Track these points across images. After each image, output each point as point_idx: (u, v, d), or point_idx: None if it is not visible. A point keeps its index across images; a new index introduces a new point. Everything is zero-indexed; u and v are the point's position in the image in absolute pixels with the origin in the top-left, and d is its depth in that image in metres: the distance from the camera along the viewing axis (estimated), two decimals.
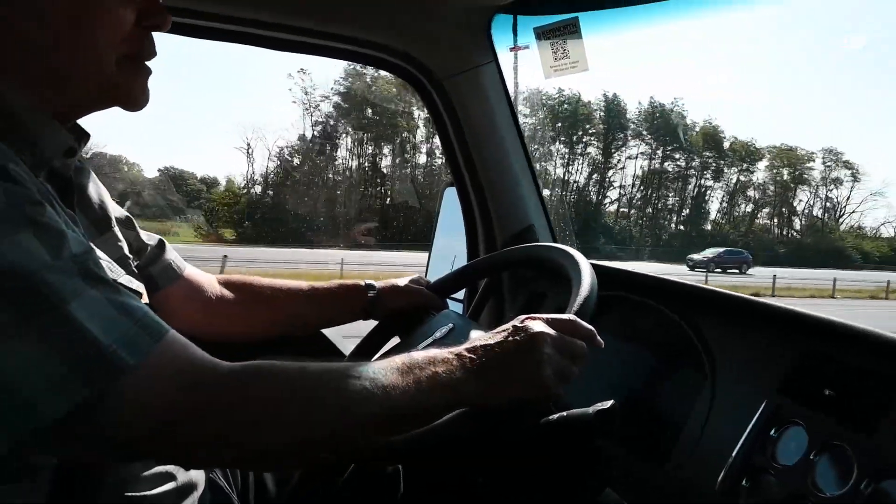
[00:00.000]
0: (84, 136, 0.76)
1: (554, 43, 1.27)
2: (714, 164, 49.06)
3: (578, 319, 0.76)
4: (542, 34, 1.27)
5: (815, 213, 50.90)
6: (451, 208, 1.68)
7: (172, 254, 1.01)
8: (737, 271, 28.75)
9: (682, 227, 47.74)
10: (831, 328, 0.79)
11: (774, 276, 20.57)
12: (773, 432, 0.78)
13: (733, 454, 0.80)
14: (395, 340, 1.18)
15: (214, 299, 1.04)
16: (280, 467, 0.90)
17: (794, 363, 0.80)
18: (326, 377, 0.62)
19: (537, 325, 0.72)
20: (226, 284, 1.08)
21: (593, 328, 0.76)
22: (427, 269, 1.99)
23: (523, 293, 1.41)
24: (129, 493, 0.71)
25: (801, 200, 50.99)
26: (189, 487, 0.80)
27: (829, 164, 50.42)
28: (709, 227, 48.75)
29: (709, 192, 49.26)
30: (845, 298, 19.50)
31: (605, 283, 0.93)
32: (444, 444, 0.74)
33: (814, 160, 50.33)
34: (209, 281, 1.06)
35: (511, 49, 1.38)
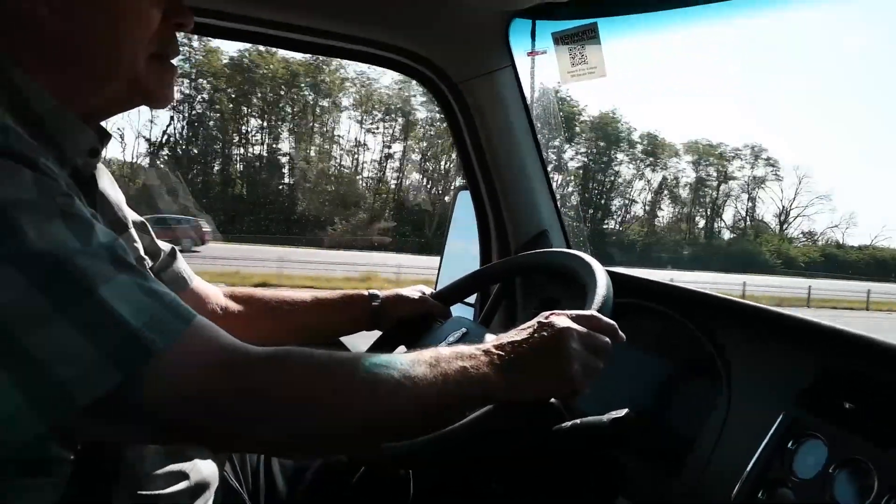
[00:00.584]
0: (106, 136, 0.77)
1: (572, 48, 1.27)
2: (612, 158, 47.00)
3: (600, 315, 0.76)
4: (559, 39, 1.27)
5: (737, 216, 49.37)
6: (464, 212, 1.68)
7: (182, 264, 1.01)
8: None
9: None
10: (851, 340, 0.78)
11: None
12: (790, 445, 0.77)
13: (749, 466, 0.79)
14: (401, 350, 1.18)
15: (220, 311, 1.05)
16: (310, 454, 0.90)
17: (812, 375, 0.79)
18: (356, 365, 0.62)
19: (562, 320, 0.72)
20: (231, 297, 1.08)
21: (615, 323, 0.76)
22: (438, 274, 1.99)
23: (535, 299, 1.40)
24: (143, 492, 0.71)
25: (718, 201, 49.29)
26: (202, 486, 0.80)
27: (749, 161, 48.93)
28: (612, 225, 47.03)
29: (610, 187, 47.20)
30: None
31: (620, 290, 0.92)
32: (471, 442, 0.73)
33: (735, 158, 48.53)
34: (215, 293, 1.07)
35: (528, 54, 1.37)
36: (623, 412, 0.78)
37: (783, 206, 49.45)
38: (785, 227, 49.86)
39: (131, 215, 0.89)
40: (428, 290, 1.22)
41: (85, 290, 0.52)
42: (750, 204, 50.20)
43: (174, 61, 0.76)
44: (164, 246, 0.98)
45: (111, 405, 0.52)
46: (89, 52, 0.66)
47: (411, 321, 1.16)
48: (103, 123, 0.76)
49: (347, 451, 0.82)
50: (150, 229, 0.95)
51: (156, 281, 0.59)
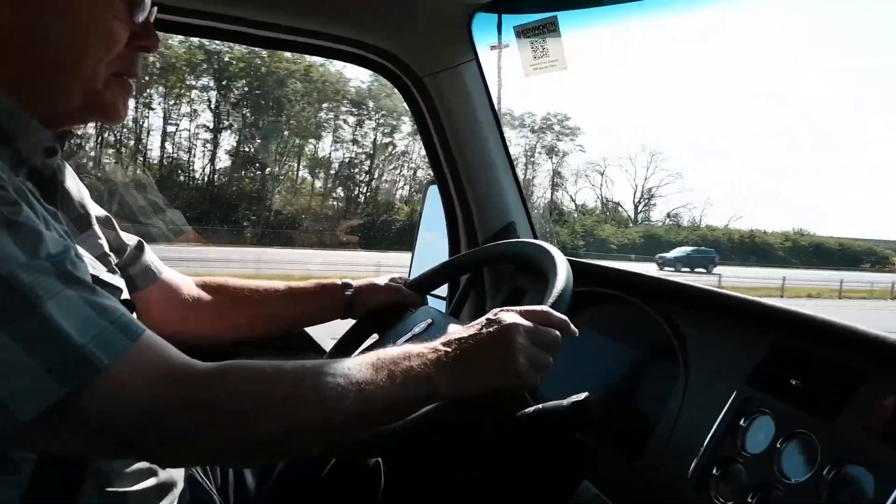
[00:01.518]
0: (67, 134, 0.77)
1: (534, 41, 1.29)
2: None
3: (551, 310, 0.78)
4: (521, 32, 1.29)
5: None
6: (433, 206, 1.69)
7: (151, 255, 1.01)
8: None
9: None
10: (797, 320, 0.81)
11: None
12: (742, 422, 0.80)
13: (704, 444, 0.82)
14: (374, 338, 1.19)
15: (192, 301, 1.05)
16: (258, 461, 0.91)
17: (763, 354, 0.82)
18: (302, 374, 0.63)
19: (510, 316, 0.73)
20: (203, 287, 1.08)
21: (567, 318, 0.78)
22: (410, 267, 2.00)
23: (504, 289, 1.42)
24: (110, 489, 0.71)
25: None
26: (169, 484, 0.80)
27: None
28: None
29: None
30: None
31: (581, 278, 0.94)
32: (421, 437, 0.75)
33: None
34: (187, 283, 1.06)
35: (492, 48, 1.39)
36: (583, 395, 0.80)
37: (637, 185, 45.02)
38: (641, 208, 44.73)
39: (95, 210, 0.88)
40: (401, 279, 1.23)
41: (29, 305, 0.52)
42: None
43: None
44: (131, 239, 0.98)
45: (53, 421, 0.52)
46: (51, 62, 0.67)
47: (384, 310, 1.17)
48: None
49: (296, 456, 0.84)
50: (115, 224, 0.94)
51: (105, 295, 0.59)
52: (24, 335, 0.51)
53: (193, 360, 0.60)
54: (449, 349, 0.70)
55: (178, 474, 0.83)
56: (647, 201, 44.94)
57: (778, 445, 0.74)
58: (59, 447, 0.59)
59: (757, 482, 0.74)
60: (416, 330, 1.05)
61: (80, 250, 0.67)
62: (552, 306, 0.80)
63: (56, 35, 0.66)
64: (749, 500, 0.74)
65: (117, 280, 0.78)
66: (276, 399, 0.61)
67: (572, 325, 0.78)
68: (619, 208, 44.76)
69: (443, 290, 1.57)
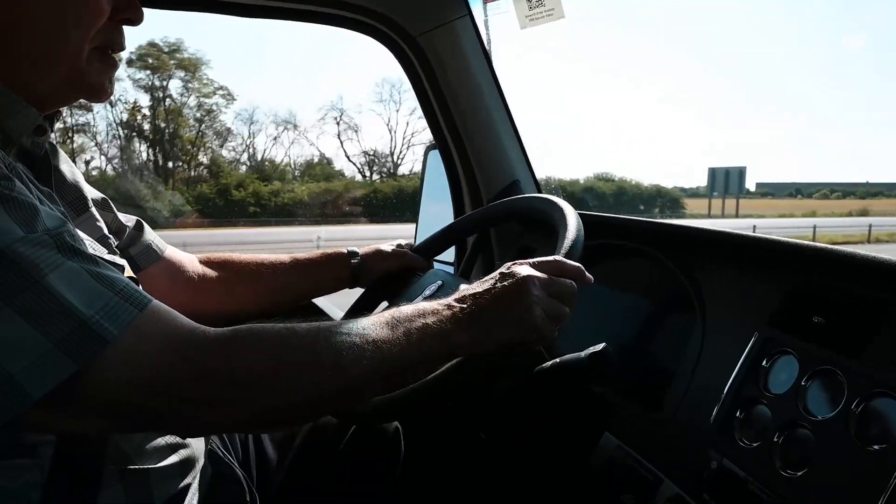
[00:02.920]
0: (56, 114, 0.75)
1: None
2: None
3: (565, 259, 0.76)
4: None
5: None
6: (435, 171, 1.66)
7: (152, 234, 0.99)
8: None
9: None
10: (816, 255, 0.79)
11: None
12: (764, 363, 0.78)
13: (726, 388, 0.81)
14: (384, 305, 1.18)
15: (197, 278, 1.04)
16: (277, 427, 0.90)
17: (782, 294, 0.80)
18: (316, 335, 0.61)
19: (524, 269, 0.71)
20: (207, 263, 1.07)
21: (581, 265, 0.76)
22: (416, 235, 1.98)
23: (512, 249, 1.41)
24: (133, 467, 0.71)
25: None
26: (191, 460, 0.80)
27: None
28: None
29: None
30: None
31: (592, 231, 0.92)
32: (442, 396, 0.74)
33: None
34: (190, 260, 1.05)
35: (484, 1, 1.34)
36: (600, 346, 0.79)
37: None
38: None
39: (91, 193, 0.87)
40: (407, 245, 1.21)
41: (31, 279, 0.51)
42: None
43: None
44: (129, 220, 0.96)
45: (66, 396, 0.51)
46: (33, 40, 0.65)
47: (391, 276, 1.16)
48: None
49: (317, 419, 0.83)
50: (112, 205, 0.93)
51: (108, 266, 0.57)
52: (28, 310, 0.50)
53: (204, 326, 0.59)
54: (464, 305, 0.68)
55: (199, 450, 0.83)
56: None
57: (802, 384, 0.73)
58: (74, 424, 0.58)
59: (782, 421, 0.73)
60: (427, 293, 1.04)
61: (80, 234, 0.65)
62: (565, 256, 0.78)
63: (36, 12, 0.64)
64: (775, 439, 0.73)
65: (119, 260, 0.77)
66: (291, 362, 0.59)
67: (587, 273, 0.76)
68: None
69: (449, 256, 1.55)
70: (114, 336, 0.52)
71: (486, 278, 0.72)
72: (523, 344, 0.70)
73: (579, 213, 0.94)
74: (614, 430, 0.97)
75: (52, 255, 0.53)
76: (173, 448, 0.77)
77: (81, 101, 0.74)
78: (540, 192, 1.46)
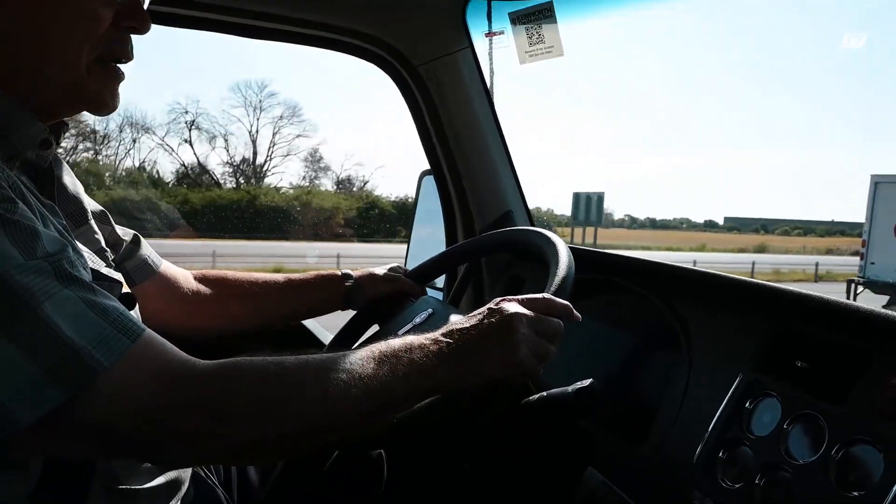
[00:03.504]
0: (62, 126, 0.74)
1: (529, 28, 1.28)
2: None
3: (553, 297, 0.77)
4: (516, 19, 1.28)
5: None
6: (429, 196, 1.68)
7: (148, 249, 0.99)
8: None
9: None
10: (801, 301, 0.81)
11: None
12: (748, 405, 0.80)
13: (710, 428, 0.82)
14: (375, 328, 1.19)
15: (191, 294, 1.03)
16: (262, 461, 0.90)
17: (767, 337, 0.82)
18: (304, 371, 0.62)
19: (512, 306, 0.72)
20: (201, 280, 1.07)
21: (569, 304, 0.77)
22: (406, 258, 1.99)
23: (503, 278, 1.42)
24: (121, 487, 0.70)
25: None
26: (177, 482, 0.79)
27: None
28: None
29: None
30: None
31: (582, 265, 0.94)
32: (425, 429, 0.74)
33: None
34: (185, 276, 1.05)
35: (486, 35, 1.37)
36: (587, 382, 0.80)
37: None
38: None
39: (91, 205, 0.87)
40: (400, 269, 1.22)
41: (26, 307, 0.51)
42: None
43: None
44: (126, 234, 0.96)
45: (55, 425, 0.51)
46: (31, 51, 0.63)
47: (384, 300, 1.16)
48: None
49: (302, 454, 0.83)
50: (110, 218, 0.93)
51: (104, 294, 0.58)
52: (21, 338, 0.50)
53: (194, 359, 0.59)
54: (451, 340, 0.69)
55: (184, 472, 0.82)
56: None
57: (785, 427, 0.74)
58: (60, 450, 0.58)
59: (764, 463, 0.74)
60: (418, 320, 1.04)
61: (79, 245, 0.65)
62: (554, 293, 0.80)
63: (29, 21, 0.62)
64: (757, 481, 0.74)
65: (116, 274, 0.77)
66: (278, 398, 0.60)
67: (575, 311, 0.77)
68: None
69: (440, 281, 1.56)
70: (104, 367, 0.53)
71: (474, 313, 0.73)
72: (507, 380, 0.71)
73: (570, 247, 0.96)
74: (598, 465, 0.97)
75: (49, 283, 0.53)
76: (161, 470, 0.76)
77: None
78: (532, 223, 1.48)
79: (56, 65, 0.65)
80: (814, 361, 0.76)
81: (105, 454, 0.63)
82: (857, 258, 12.43)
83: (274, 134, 34.34)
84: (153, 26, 0.72)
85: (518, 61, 1.33)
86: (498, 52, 1.36)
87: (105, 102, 0.70)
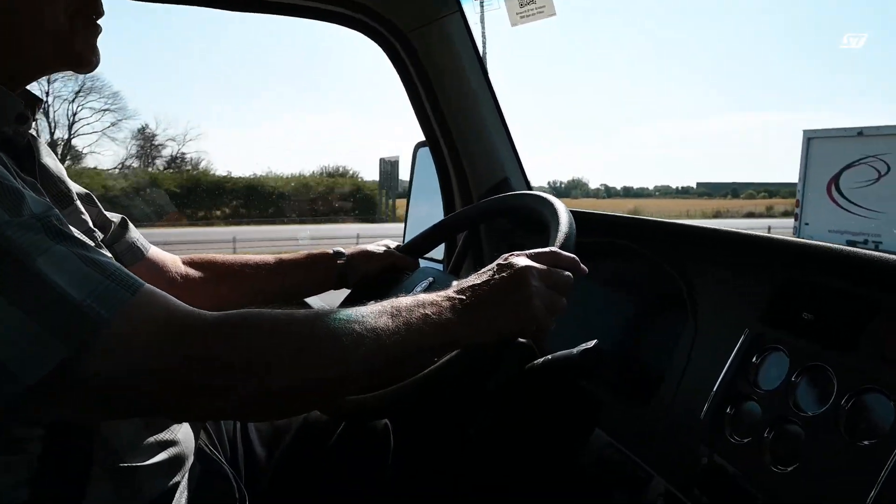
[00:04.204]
0: (37, 101, 0.73)
1: None
2: None
3: (560, 250, 0.76)
4: None
5: None
6: (424, 168, 1.66)
7: (135, 233, 0.98)
8: None
9: None
10: (805, 252, 0.80)
11: None
12: (755, 359, 0.79)
13: (716, 385, 0.81)
14: None
15: (180, 279, 1.02)
16: (274, 415, 0.89)
17: (773, 290, 0.81)
18: (315, 322, 0.60)
19: (521, 260, 0.71)
20: (190, 263, 1.05)
21: (576, 256, 0.76)
22: (405, 233, 1.97)
23: (503, 247, 1.40)
24: (122, 465, 0.70)
25: None
26: (180, 458, 0.79)
27: None
28: None
29: None
30: None
31: (583, 228, 0.92)
32: (439, 388, 0.73)
33: None
34: (173, 260, 1.04)
35: None
36: (592, 343, 0.79)
37: None
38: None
39: (75, 188, 0.86)
40: (393, 244, 1.21)
41: (20, 264, 0.49)
42: None
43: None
44: (114, 217, 0.95)
45: (59, 383, 0.50)
46: (8, 15, 0.62)
47: (379, 276, 1.15)
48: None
49: (315, 408, 0.81)
50: (97, 201, 0.91)
51: (97, 250, 0.56)
52: (18, 294, 0.49)
53: (199, 310, 0.57)
54: (463, 296, 0.68)
55: (188, 448, 0.81)
56: None
57: (793, 380, 0.73)
58: (68, 412, 0.56)
59: (772, 417, 0.73)
60: (418, 289, 1.03)
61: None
62: (560, 247, 0.79)
63: None
64: (765, 435, 0.73)
65: (105, 253, 0.75)
66: (289, 347, 0.57)
67: (581, 264, 0.76)
68: None
69: (438, 254, 1.55)
70: (106, 320, 0.51)
71: (484, 270, 0.72)
72: (522, 334, 0.70)
73: (571, 210, 0.94)
74: (605, 427, 0.97)
75: (41, 238, 0.51)
76: (163, 445, 0.76)
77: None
78: (530, 189, 1.46)
79: (39, 25, 0.64)
80: (820, 312, 0.74)
81: (111, 413, 0.60)
82: (793, 220, 11.56)
83: (74, 114, 26.81)
84: (131, 2, 0.71)
85: (509, 23, 1.30)
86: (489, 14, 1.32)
87: (89, 59, 0.70)
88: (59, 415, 0.57)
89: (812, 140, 11.08)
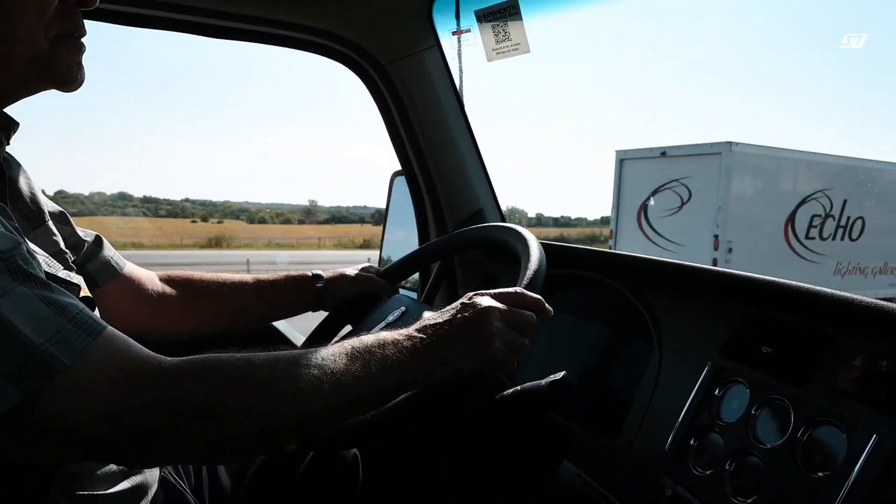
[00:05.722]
0: (12, 124, 0.72)
1: (495, 25, 1.28)
2: None
3: (526, 291, 0.77)
4: (482, 17, 1.28)
5: None
6: (400, 196, 1.67)
7: (111, 251, 0.97)
8: None
9: None
10: (767, 288, 0.83)
11: None
12: (717, 392, 0.81)
13: (680, 417, 0.83)
14: (348, 329, 1.18)
15: (156, 296, 1.01)
16: (233, 460, 0.88)
17: (734, 324, 0.83)
18: (274, 367, 0.61)
19: (485, 300, 0.72)
20: (167, 281, 1.04)
21: (541, 297, 0.77)
22: (380, 261, 1.98)
23: (476, 277, 1.42)
24: (82, 493, 0.68)
25: None
26: (143, 487, 0.77)
27: None
28: None
29: None
30: None
31: (554, 261, 0.94)
32: (399, 425, 0.74)
33: None
34: (150, 277, 1.03)
35: (454, 33, 1.38)
36: (561, 374, 0.80)
37: None
38: None
39: (48, 206, 0.85)
40: (372, 269, 1.21)
41: None
42: None
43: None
44: (88, 235, 0.94)
45: (13, 425, 0.49)
46: None
47: (356, 300, 1.15)
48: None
49: (272, 452, 0.81)
50: (70, 219, 0.90)
51: (62, 291, 0.56)
52: None
53: (159, 356, 0.57)
54: (424, 336, 0.68)
55: (151, 476, 0.80)
56: None
57: (753, 412, 0.75)
58: (21, 454, 0.56)
59: (733, 449, 0.75)
60: (390, 318, 1.04)
61: (34, 248, 0.63)
62: (526, 287, 0.80)
63: None
64: (727, 467, 0.75)
65: (75, 277, 0.75)
66: (248, 394, 0.58)
67: (547, 305, 0.77)
68: None
69: (414, 282, 1.56)
70: (64, 365, 0.51)
71: (447, 308, 0.73)
72: (482, 374, 0.71)
73: (542, 242, 0.96)
74: (573, 458, 0.98)
75: (3, 279, 0.51)
76: (125, 474, 0.74)
77: None
78: (504, 221, 1.48)
79: (15, 45, 0.64)
80: (778, 346, 0.77)
81: (67, 457, 0.60)
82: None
83: None
84: (114, 26, 0.71)
85: (486, 59, 1.33)
86: (465, 49, 1.36)
87: (72, 77, 0.69)
88: (12, 454, 0.56)
89: (624, 162, 9.55)
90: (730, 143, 8.52)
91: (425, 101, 1.37)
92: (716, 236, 8.44)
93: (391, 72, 1.35)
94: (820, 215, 9.20)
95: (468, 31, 1.33)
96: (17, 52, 0.64)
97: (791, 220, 9.03)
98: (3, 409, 0.48)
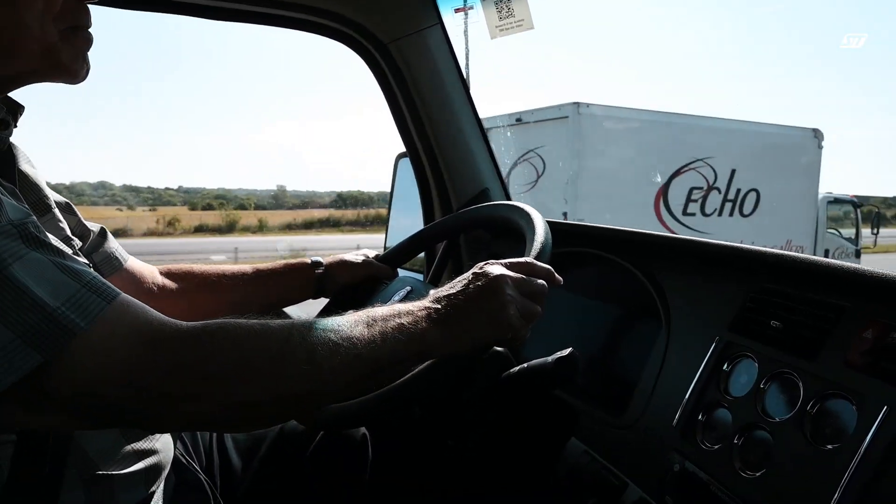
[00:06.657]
0: (18, 108, 0.72)
1: (498, 2, 1.26)
2: None
3: (535, 260, 0.77)
4: None
5: None
6: (405, 178, 1.67)
7: (114, 243, 0.97)
8: None
9: None
10: (776, 261, 0.82)
11: None
12: (725, 367, 0.81)
13: (689, 392, 0.83)
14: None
15: (157, 290, 1.02)
16: (249, 426, 0.88)
17: (742, 299, 0.83)
18: (290, 331, 0.60)
19: (496, 268, 0.72)
20: (167, 274, 1.05)
21: (550, 267, 0.77)
22: (386, 242, 1.98)
23: (482, 256, 1.41)
24: (98, 472, 0.69)
25: None
26: (157, 467, 0.78)
27: None
28: None
29: None
30: None
31: (559, 238, 0.93)
32: (412, 401, 0.73)
33: None
34: (151, 271, 1.03)
35: (456, 10, 1.36)
36: (567, 351, 0.80)
37: None
38: None
39: (54, 196, 0.85)
40: (372, 254, 1.21)
41: None
42: None
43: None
44: (93, 226, 0.94)
45: (31, 390, 0.50)
46: None
47: (357, 286, 1.15)
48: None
49: (291, 419, 0.81)
50: (76, 210, 0.91)
51: (74, 259, 0.56)
52: None
53: (175, 320, 0.57)
54: (439, 306, 0.68)
55: (166, 457, 0.81)
56: None
57: (761, 386, 0.75)
58: (39, 420, 0.55)
59: (742, 423, 0.75)
60: (396, 298, 1.04)
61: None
62: (535, 258, 0.80)
63: None
64: (735, 441, 0.74)
65: (82, 261, 0.75)
66: (264, 357, 0.57)
67: (556, 274, 0.77)
68: None
69: (419, 264, 1.56)
70: (81, 328, 0.51)
71: (459, 279, 0.72)
72: (498, 343, 0.70)
73: (547, 221, 0.96)
74: (580, 436, 0.98)
75: (16, 245, 0.51)
76: (140, 455, 0.75)
77: None
78: (509, 199, 1.47)
79: (20, 38, 0.64)
80: (787, 320, 0.76)
81: (84, 422, 0.59)
82: None
83: None
84: (117, 10, 0.71)
85: (489, 36, 1.31)
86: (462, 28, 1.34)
87: (76, 69, 0.69)
88: (30, 422, 0.56)
89: (490, 131, 8.07)
90: (578, 104, 7.18)
91: (428, 80, 1.35)
92: (564, 214, 7.08)
93: (393, 51, 1.33)
94: (701, 188, 7.96)
95: (471, 7, 1.32)
96: (27, 43, 0.64)
97: (663, 193, 7.74)
98: (22, 372, 0.48)
